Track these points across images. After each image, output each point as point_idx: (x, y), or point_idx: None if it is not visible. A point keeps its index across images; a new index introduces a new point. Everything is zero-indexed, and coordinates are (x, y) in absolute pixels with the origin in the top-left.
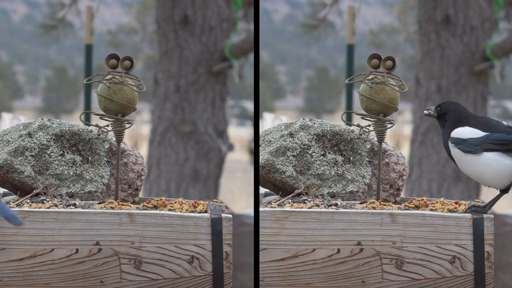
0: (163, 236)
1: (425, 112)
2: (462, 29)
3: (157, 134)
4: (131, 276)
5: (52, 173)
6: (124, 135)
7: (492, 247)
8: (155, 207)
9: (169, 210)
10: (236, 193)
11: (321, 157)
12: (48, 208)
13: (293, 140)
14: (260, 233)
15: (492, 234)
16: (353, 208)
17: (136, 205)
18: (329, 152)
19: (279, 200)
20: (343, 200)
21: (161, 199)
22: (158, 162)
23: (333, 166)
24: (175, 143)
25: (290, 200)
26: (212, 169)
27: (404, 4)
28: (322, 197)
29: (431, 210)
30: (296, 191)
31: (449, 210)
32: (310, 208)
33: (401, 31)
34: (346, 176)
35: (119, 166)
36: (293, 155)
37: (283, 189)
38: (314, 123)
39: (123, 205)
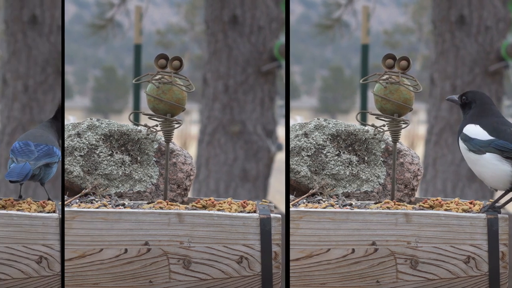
0: (212, 236)
1: (448, 97)
2: (476, 29)
3: (206, 134)
4: (180, 276)
5: (101, 173)
6: (173, 135)
7: (507, 247)
8: (204, 207)
9: (218, 210)
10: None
11: (336, 157)
12: (97, 208)
13: (308, 140)
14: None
15: (506, 234)
16: (368, 208)
17: (185, 205)
18: (343, 152)
19: (293, 200)
20: (358, 200)
21: (210, 199)
22: (207, 162)
23: (347, 166)
24: (224, 143)
25: (304, 200)
26: (261, 169)
27: (419, 4)
28: (337, 197)
29: (446, 210)
30: (310, 191)
31: (464, 210)
32: (324, 208)
33: (415, 31)
34: (361, 176)
35: (168, 166)
36: (308, 155)
37: (298, 189)
38: (329, 123)
39: (172, 205)
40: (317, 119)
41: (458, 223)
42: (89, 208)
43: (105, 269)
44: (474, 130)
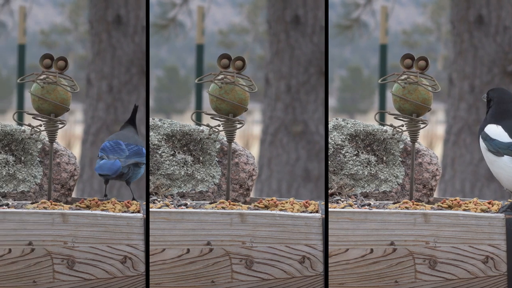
0: (274, 236)
1: (484, 97)
2: (495, 29)
3: (268, 134)
4: (242, 276)
5: (163, 173)
6: (235, 135)
7: None
8: (266, 207)
9: (280, 210)
10: None
11: (354, 157)
12: (159, 208)
13: None
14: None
15: None
16: (386, 208)
17: (247, 205)
18: (362, 152)
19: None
20: (376, 200)
21: (272, 199)
22: (269, 162)
23: (366, 166)
24: (286, 143)
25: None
26: (323, 169)
27: (437, 4)
28: (355, 197)
29: (464, 210)
30: (329, 191)
31: (482, 210)
32: (343, 208)
33: (434, 31)
34: (379, 176)
35: (230, 166)
36: None
37: None
38: (347, 123)
39: (234, 205)
40: (336, 119)
41: (476, 223)
42: (151, 208)
43: (168, 269)
44: (495, 131)
